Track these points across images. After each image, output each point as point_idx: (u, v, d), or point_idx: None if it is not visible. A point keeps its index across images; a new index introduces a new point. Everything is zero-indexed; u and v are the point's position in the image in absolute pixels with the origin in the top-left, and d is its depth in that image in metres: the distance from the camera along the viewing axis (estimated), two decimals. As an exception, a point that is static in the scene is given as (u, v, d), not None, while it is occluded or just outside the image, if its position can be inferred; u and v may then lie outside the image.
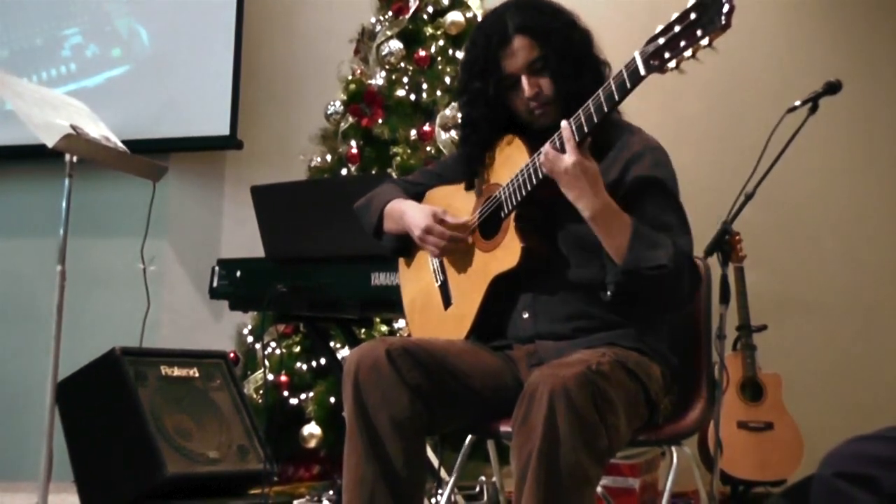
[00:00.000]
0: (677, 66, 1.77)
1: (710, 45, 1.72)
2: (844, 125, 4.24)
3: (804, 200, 4.33)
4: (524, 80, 2.07)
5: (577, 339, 2.04)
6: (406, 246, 2.31)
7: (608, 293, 1.99)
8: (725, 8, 1.68)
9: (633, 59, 1.82)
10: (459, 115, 2.28)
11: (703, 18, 1.71)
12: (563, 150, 1.93)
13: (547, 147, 1.96)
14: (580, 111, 1.92)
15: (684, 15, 1.75)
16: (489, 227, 2.16)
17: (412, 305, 2.38)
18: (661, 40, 1.77)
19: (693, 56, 1.74)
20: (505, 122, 2.15)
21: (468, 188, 2.23)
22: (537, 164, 2.00)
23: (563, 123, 1.93)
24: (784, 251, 4.30)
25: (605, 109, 1.88)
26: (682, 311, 2.20)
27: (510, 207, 2.09)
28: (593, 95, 1.90)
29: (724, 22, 1.68)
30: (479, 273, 2.16)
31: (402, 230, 2.26)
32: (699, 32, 1.72)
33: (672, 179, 2.07)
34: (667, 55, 1.76)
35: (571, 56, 2.07)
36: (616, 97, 1.87)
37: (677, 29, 1.75)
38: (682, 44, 1.74)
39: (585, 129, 1.92)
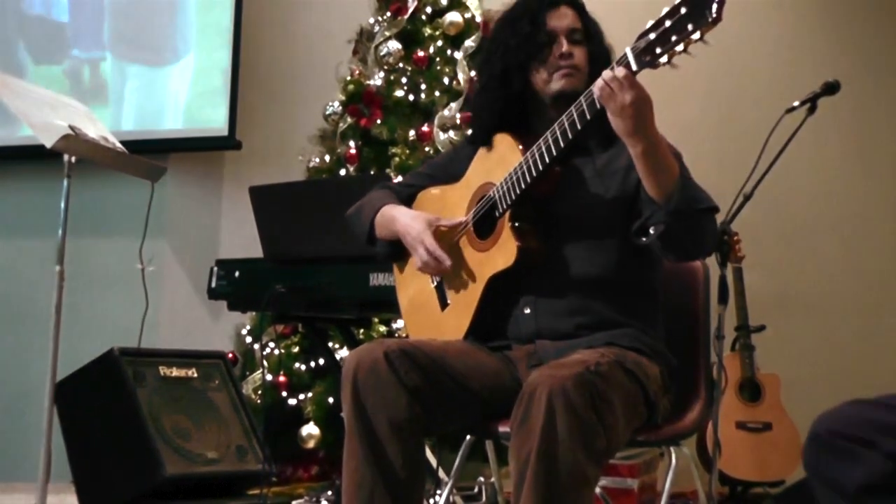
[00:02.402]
0: (669, 61, 1.77)
1: (701, 38, 1.71)
2: (843, 126, 4.24)
3: (803, 200, 4.33)
4: (562, 38, 2.10)
5: (577, 336, 2.04)
6: (399, 251, 2.30)
7: (649, 234, 1.95)
8: (716, 1, 1.68)
9: (625, 55, 1.82)
10: (491, 67, 2.18)
11: (693, 13, 1.70)
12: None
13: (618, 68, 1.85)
14: (572, 107, 1.93)
15: (674, 10, 1.74)
16: (483, 227, 2.16)
17: (408, 307, 2.37)
18: (652, 35, 1.77)
19: (685, 50, 1.74)
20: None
21: (485, 144, 2.20)
22: (591, 97, 1.89)
23: (628, 49, 1.83)
24: (783, 251, 4.29)
25: (598, 106, 1.88)
26: (700, 259, 2.25)
27: (505, 206, 2.08)
28: (585, 92, 1.90)
29: (714, 16, 1.67)
30: (475, 273, 2.15)
31: (393, 236, 2.26)
32: (690, 27, 1.71)
33: (680, 156, 2.06)
34: (658, 50, 1.76)
35: (600, 43, 2.14)
36: None
37: (668, 24, 1.74)
38: (674, 38, 1.73)
39: (578, 126, 1.92)
